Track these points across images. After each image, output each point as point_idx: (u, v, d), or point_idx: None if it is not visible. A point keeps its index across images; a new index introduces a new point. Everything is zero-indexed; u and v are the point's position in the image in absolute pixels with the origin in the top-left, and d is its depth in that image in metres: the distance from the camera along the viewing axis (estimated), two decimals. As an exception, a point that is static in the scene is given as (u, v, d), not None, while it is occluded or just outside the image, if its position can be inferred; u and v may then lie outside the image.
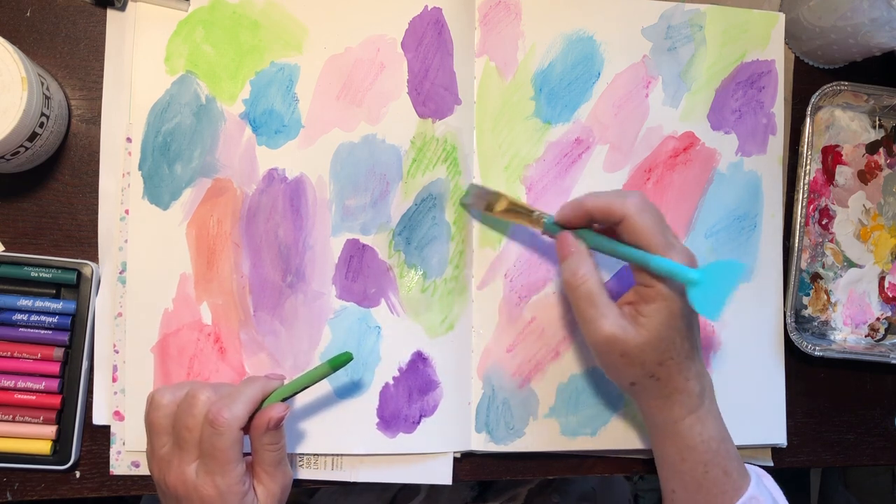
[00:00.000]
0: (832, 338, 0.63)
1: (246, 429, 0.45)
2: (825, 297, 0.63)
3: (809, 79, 0.64)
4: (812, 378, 0.63)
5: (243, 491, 0.44)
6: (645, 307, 0.47)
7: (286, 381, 0.49)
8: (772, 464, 0.61)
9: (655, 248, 0.46)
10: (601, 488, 0.82)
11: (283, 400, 0.48)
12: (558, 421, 0.57)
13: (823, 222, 0.63)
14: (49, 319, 0.52)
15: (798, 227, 0.60)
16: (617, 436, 0.58)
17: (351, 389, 0.54)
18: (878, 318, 0.64)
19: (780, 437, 0.60)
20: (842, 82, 0.61)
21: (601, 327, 0.47)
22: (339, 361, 0.48)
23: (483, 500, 0.79)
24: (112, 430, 0.53)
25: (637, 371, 0.47)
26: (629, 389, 0.49)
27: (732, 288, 0.46)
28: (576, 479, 0.81)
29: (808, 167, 0.60)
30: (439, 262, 0.56)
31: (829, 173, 0.64)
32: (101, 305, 0.53)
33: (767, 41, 0.61)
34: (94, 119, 0.54)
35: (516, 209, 0.53)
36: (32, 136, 0.48)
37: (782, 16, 0.61)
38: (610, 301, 0.47)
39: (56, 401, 0.52)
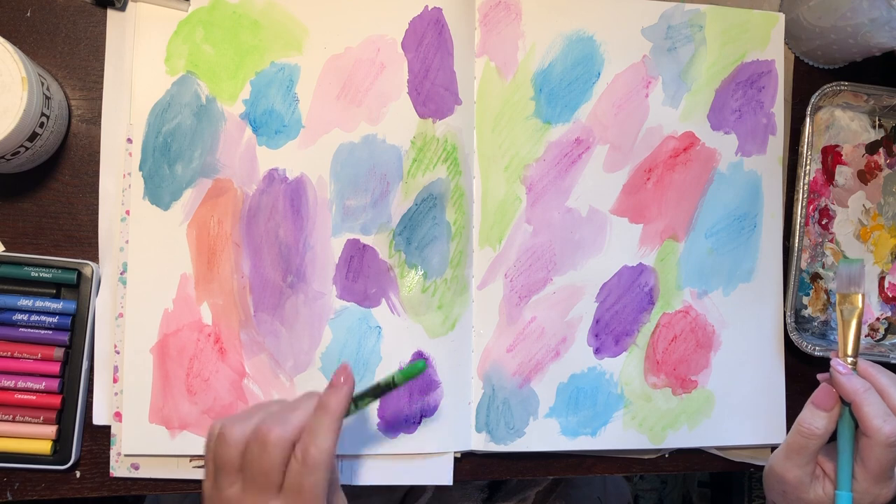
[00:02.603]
0: (832, 338, 0.63)
1: None
2: (825, 297, 0.63)
3: (809, 79, 0.64)
4: (812, 378, 0.63)
5: None
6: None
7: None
8: (772, 464, 0.61)
9: (852, 481, 0.49)
10: (605, 498, 0.82)
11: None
12: (558, 421, 0.57)
13: (823, 222, 0.63)
14: (49, 319, 0.52)
15: (798, 227, 0.60)
16: (617, 436, 0.58)
17: (351, 389, 0.54)
18: (877, 318, 0.64)
19: (780, 437, 0.60)
20: (842, 82, 0.61)
21: (808, 495, 0.51)
22: (415, 371, 0.47)
23: (491, 503, 0.79)
24: (112, 430, 0.53)
25: None
26: None
27: None
28: (581, 487, 0.81)
29: (808, 167, 0.60)
30: (440, 262, 0.56)
31: (828, 173, 0.64)
32: (102, 305, 0.53)
33: (767, 41, 0.61)
34: (95, 119, 0.54)
35: None
36: (33, 136, 0.48)
37: (782, 16, 0.61)
38: (814, 463, 0.51)
39: (56, 401, 0.52)
